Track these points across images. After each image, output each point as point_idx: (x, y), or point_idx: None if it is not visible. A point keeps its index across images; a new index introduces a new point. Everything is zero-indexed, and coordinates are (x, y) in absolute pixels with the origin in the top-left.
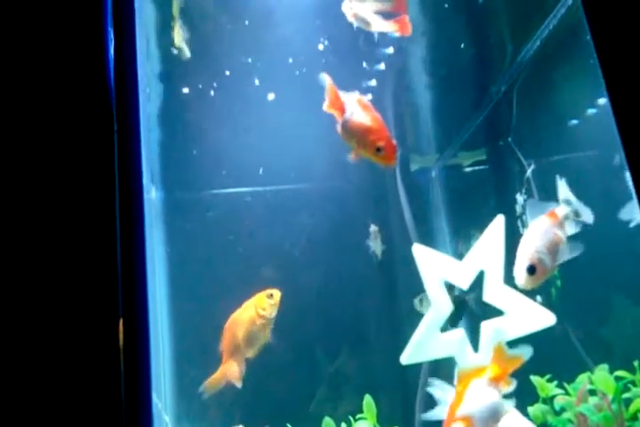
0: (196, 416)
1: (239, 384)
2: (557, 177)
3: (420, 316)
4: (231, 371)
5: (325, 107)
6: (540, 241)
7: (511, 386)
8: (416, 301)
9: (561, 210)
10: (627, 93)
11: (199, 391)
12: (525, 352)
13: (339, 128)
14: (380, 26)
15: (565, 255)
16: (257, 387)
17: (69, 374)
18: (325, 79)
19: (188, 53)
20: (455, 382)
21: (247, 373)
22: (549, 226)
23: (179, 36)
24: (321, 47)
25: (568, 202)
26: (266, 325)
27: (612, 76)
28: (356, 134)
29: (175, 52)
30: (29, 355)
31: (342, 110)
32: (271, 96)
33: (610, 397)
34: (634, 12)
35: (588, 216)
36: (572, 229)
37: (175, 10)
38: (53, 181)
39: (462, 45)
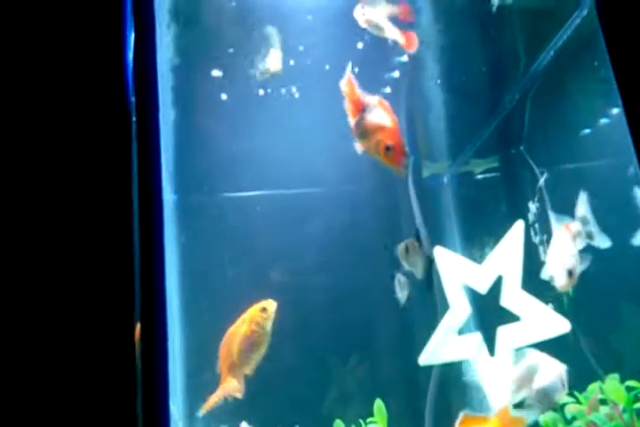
0: (208, 419)
1: (240, 395)
2: (581, 192)
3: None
4: (230, 387)
5: (346, 102)
6: (568, 248)
7: None
8: (395, 280)
9: (574, 226)
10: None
11: (199, 413)
12: (529, 415)
13: (352, 125)
14: (391, 33)
15: (583, 265)
16: (268, 390)
17: (86, 380)
18: (347, 72)
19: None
20: (457, 422)
21: (259, 375)
22: (570, 237)
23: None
24: (336, 53)
25: (585, 221)
26: (261, 339)
27: (627, 86)
28: (369, 132)
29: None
30: (45, 360)
31: (359, 109)
32: (287, 100)
33: (621, 407)
34: None
35: (601, 242)
36: (581, 244)
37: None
38: (70, 183)
39: (476, 54)
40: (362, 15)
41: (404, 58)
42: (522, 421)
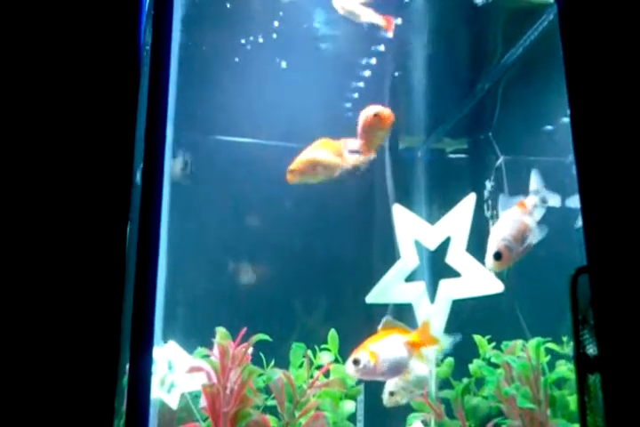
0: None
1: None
2: (533, 169)
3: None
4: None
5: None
6: (507, 230)
7: (425, 361)
8: None
9: (530, 200)
10: (587, 111)
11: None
12: (446, 341)
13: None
14: (369, 17)
15: (533, 239)
16: (247, 312)
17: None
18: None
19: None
20: (379, 326)
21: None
22: (518, 216)
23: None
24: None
25: (537, 191)
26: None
27: (577, 91)
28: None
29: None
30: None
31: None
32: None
33: (531, 352)
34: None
35: (555, 201)
36: (539, 215)
37: None
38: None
39: (459, 39)
40: (340, 5)
41: (390, 34)
42: (436, 340)
